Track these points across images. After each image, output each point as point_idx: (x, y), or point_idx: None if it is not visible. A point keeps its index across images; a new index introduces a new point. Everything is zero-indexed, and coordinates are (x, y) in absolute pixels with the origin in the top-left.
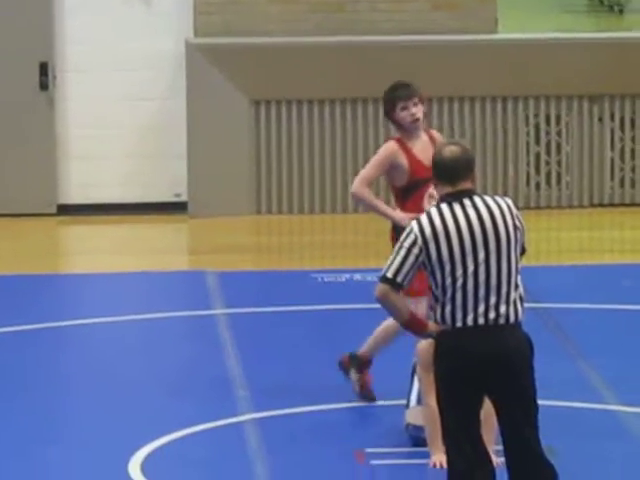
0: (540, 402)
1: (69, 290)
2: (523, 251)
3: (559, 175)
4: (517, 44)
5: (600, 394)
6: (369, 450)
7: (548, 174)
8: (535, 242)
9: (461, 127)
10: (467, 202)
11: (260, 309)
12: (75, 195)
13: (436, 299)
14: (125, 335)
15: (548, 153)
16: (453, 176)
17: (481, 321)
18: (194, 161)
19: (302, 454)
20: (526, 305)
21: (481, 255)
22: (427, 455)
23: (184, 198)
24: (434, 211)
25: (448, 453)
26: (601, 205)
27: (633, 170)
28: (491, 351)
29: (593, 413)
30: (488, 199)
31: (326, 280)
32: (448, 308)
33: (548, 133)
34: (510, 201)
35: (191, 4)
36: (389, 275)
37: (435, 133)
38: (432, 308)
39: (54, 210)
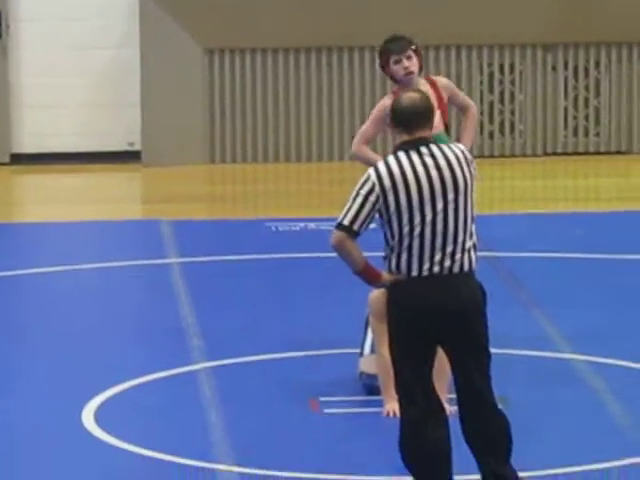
0: (493, 351)
1: (23, 239)
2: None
3: (513, 124)
4: None
5: (554, 343)
6: (323, 399)
7: (502, 123)
8: (489, 191)
9: None
10: (424, 150)
11: (214, 258)
12: (28, 144)
13: (392, 249)
14: (79, 284)
15: (502, 102)
16: (411, 123)
17: (436, 270)
18: (148, 110)
19: (256, 403)
20: (480, 254)
21: (439, 204)
22: (381, 404)
23: (138, 147)
24: (392, 159)
25: (401, 402)
26: (554, 154)
27: (586, 119)
28: (445, 300)
29: (546, 361)
30: (444, 147)
31: (280, 229)
32: (404, 257)
33: (502, 82)
34: (464, 147)
35: None
36: (345, 223)
37: (440, 79)
38: (386, 257)
39: (7, 159)
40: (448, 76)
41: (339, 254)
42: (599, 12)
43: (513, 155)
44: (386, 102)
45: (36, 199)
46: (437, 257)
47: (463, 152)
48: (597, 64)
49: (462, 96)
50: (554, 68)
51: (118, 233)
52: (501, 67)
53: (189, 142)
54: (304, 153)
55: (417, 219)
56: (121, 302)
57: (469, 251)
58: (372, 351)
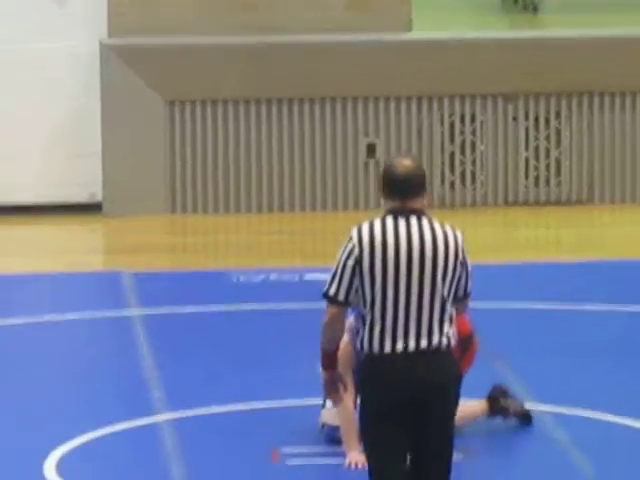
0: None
1: None
2: (466, 295)
3: (474, 174)
4: (431, 43)
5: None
6: (285, 450)
7: (463, 173)
8: None
9: (376, 127)
10: (413, 221)
11: (176, 309)
12: None
13: (363, 320)
14: (39, 336)
15: (463, 152)
16: (405, 192)
17: (411, 347)
18: (109, 161)
19: (218, 454)
20: None
21: (415, 274)
22: (344, 454)
23: (99, 198)
24: (377, 222)
25: None
26: (516, 204)
27: (547, 169)
28: (418, 379)
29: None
30: (436, 224)
31: (242, 280)
32: (377, 330)
33: (462, 132)
34: (459, 233)
35: (105, 4)
36: (331, 293)
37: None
38: (358, 332)
39: None
40: (409, 128)
41: (326, 327)
42: (559, 63)
43: (474, 205)
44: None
45: None
46: (411, 334)
47: (455, 236)
48: (557, 114)
49: None
50: (515, 118)
51: (78, 285)
52: (462, 117)
53: (150, 193)
54: (265, 203)
55: (390, 287)
56: (81, 354)
57: (446, 334)
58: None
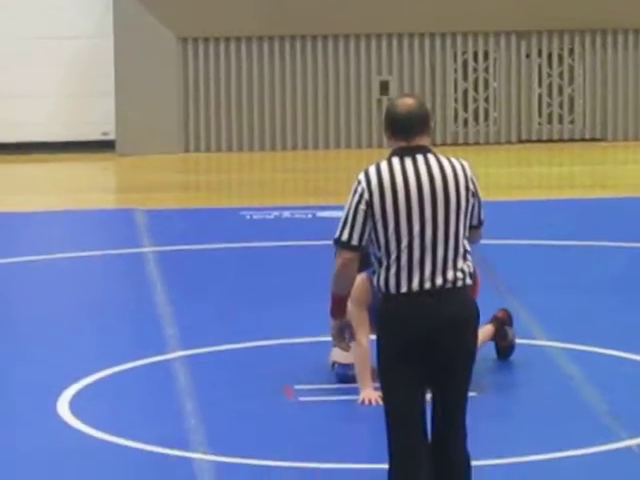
0: None
1: None
2: (480, 223)
3: (487, 111)
4: None
5: (527, 329)
6: (298, 387)
7: (476, 110)
8: None
9: (389, 64)
10: (420, 158)
11: (189, 247)
12: (1, 134)
13: (379, 262)
14: (53, 273)
15: (476, 89)
16: (408, 131)
17: (427, 286)
18: (122, 100)
19: (231, 391)
20: None
21: (427, 213)
22: (356, 392)
23: (112, 137)
24: (384, 164)
25: (391, 431)
26: (529, 141)
27: (560, 106)
28: (436, 317)
29: (520, 348)
30: (443, 159)
31: (255, 217)
32: (392, 271)
33: (476, 70)
34: (467, 164)
35: None
36: (344, 239)
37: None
38: (375, 272)
39: None
40: (422, 65)
41: (339, 273)
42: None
43: (487, 143)
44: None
45: (8, 189)
46: (427, 272)
47: (463, 168)
48: (571, 51)
49: None
50: (528, 55)
51: (92, 222)
52: (475, 55)
53: (163, 131)
54: (279, 141)
55: (404, 229)
56: (95, 291)
57: (462, 270)
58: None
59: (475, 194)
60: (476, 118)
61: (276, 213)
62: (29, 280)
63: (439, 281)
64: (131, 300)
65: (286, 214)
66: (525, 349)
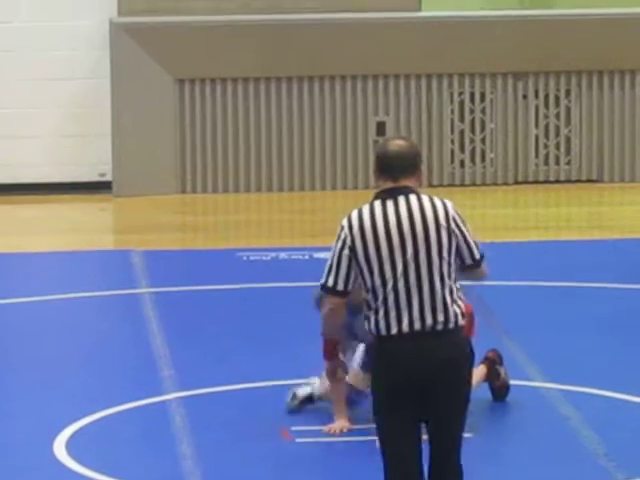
0: None
1: None
2: (475, 262)
3: (483, 152)
4: (441, 22)
5: (523, 370)
6: (294, 428)
7: (472, 151)
8: None
9: (385, 105)
10: (401, 199)
11: (185, 288)
12: None
13: (369, 305)
14: (50, 314)
15: (472, 130)
16: (395, 171)
17: (417, 326)
18: (119, 140)
19: (227, 433)
20: None
21: (409, 253)
22: (355, 434)
23: (109, 177)
24: (365, 208)
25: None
26: (526, 182)
27: (557, 147)
28: (429, 358)
29: (516, 389)
30: (425, 198)
31: (252, 258)
32: (381, 313)
33: (472, 111)
34: (450, 203)
35: None
36: (329, 284)
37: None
38: (366, 317)
39: None
40: (419, 106)
41: (327, 318)
42: (569, 40)
43: (484, 184)
44: None
45: (6, 230)
46: (415, 313)
47: (445, 206)
48: (568, 92)
49: None
50: (525, 96)
51: (89, 263)
52: (471, 95)
53: (160, 172)
54: (276, 183)
55: (388, 271)
56: (92, 332)
57: (452, 309)
58: (363, 368)
59: (459, 232)
60: (473, 159)
61: (273, 254)
62: (25, 321)
63: (429, 321)
64: (128, 341)
65: (283, 255)
66: (521, 390)
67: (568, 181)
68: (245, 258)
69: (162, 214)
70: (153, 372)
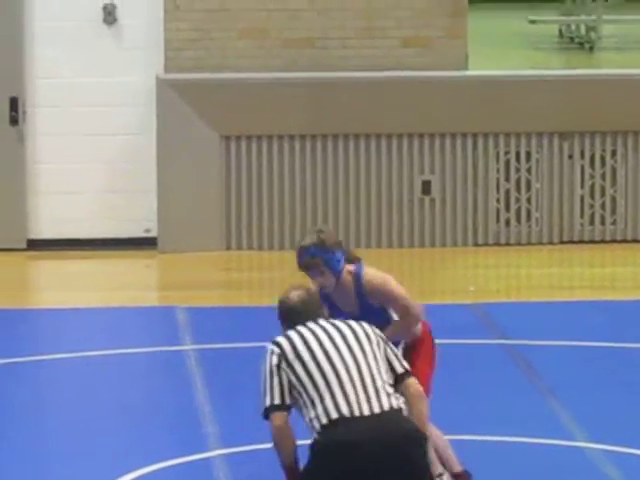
0: (509, 438)
1: (39, 325)
2: (407, 371)
3: (529, 212)
4: (487, 81)
5: (569, 431)
6: None
7: (518, 211)
8: (505, 279)
9: (431, 164)
10: (322, 321)
11: (229, 345)
12: (45, 230)
13: (305, 405)
14: (94, 371)
15: (518, 190)
16: (305, 319)
17: (359, 411)
18: (164, 197)
19: None
20: (496, 342)
21: (343, 348)
22: None
23: (154, 234)
24: (290, 331)
25: None
26: (571, 242)
27: (603, 207)
28: (378, 436)
29: (561, 450)
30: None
31: None
32: (320, 409)
33: (518, 170)
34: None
35: (162, 39)
36: (267, 404)
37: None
38: (308, 420)
39: (24, 245)
40: (465, 165)
41: (278, 442)
42: (615, 100)
43: (529, 243)
44: None
45: (52, 285)
46: (352, 397)
47: (360, 323)
48: (613, 153)
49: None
50: (570, 156)
51: (133, 320)
52: (517, 155)
53: (205, 229)
54: None
55: (314, 370)
56: (136, 389)
57: (392, 395)
58: None
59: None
60: (518, 218)
61: None
62: (70, 377)
63: (374, 404)
64: (171, 397)
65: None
66: (565, 450)
67: (613, 241)
68: None
69: (206, 271)
70: (197, 429)
